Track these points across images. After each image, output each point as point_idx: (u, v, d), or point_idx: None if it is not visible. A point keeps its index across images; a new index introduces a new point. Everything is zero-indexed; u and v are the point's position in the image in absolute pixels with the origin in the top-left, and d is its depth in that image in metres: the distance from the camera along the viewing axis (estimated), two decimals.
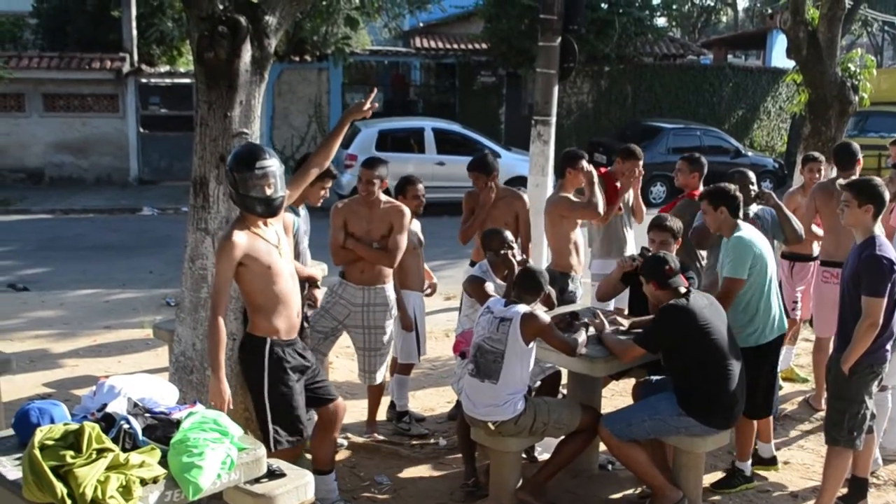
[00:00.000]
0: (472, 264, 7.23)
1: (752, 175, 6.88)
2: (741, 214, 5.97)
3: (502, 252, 6.09)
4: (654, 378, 5.96)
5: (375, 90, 5.71)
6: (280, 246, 4.88)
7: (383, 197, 6.34)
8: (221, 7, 5.44)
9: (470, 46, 25.45)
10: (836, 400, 5.45)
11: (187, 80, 20.43)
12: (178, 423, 3.92)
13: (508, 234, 6.21)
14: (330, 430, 5.38)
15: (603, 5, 23.05)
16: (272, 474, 4.18)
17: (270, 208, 4.76)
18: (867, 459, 5.77)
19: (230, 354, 5.11)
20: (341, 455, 6.32)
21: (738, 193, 5.95)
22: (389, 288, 6.46)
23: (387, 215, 6.30)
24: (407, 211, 6.37)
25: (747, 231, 5.91)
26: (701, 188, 7.37)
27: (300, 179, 5.32)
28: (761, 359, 5.87)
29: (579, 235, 7.40)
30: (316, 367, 5.28)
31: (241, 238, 4.66)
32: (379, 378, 6.54)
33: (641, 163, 7.72)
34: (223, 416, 4.09)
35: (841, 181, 5.78)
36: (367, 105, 5.33)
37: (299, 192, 5.39)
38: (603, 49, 22.80)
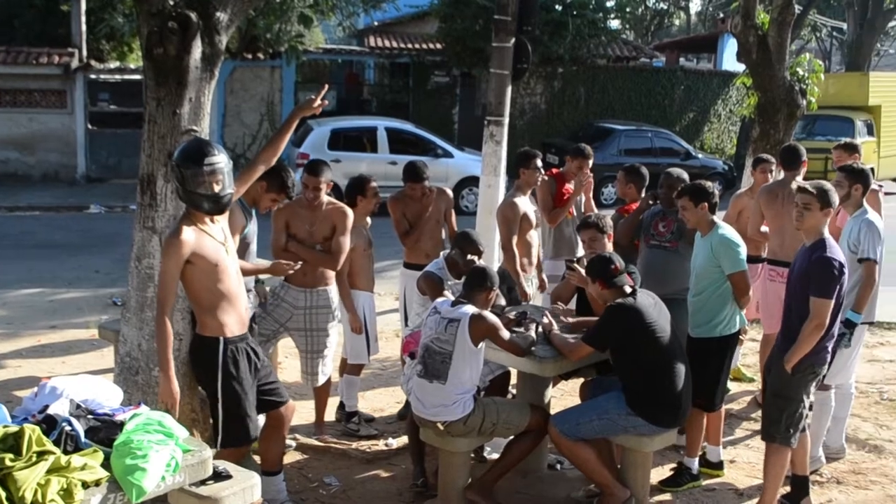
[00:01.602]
0: (406, 265, 7.23)
1: (684, 175, 6.91)
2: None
3: (470, 258, 6.08)
4: (603, 377, 6.00)
5: (327, 87, 5.66)
6: (226, 243, 4.83)
7: (325, 198, 6.27)
8: (172, 2, 5.37)
9: (424, 46, 25.41)
10: (776, 398, 5.52)
11: (137, 77, 20.16)
12: (121, 424, 3.85)
13: (482, 245, 6.24)
14: (278, 430, 5.33)
15: (557, 7, 23.15)
16: (218, 476, 4.13)
17: (218, 205, 4.69)
18: (804, 457, 5.84)
19: (176, 355, 5.05)
20: (290, 456, 6.28)
21: (716, 191, 6.07)
22: (332, 290, 6.41)
23: (329, 217, 6.23)
24: (350, 212, 6.30)
25: (726, 227, 6.08)
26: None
27: (247, 175, 5.29)
28: (723, 350, 5.97)
29: (532, 236, 7.42)
30: (268, 366, 5.24)
31: (188, 235, 4.60)
32: (322, 379, 6.48)
33: (591, 161, 7.77)
34: (168, 417, 4.03)
35: (795, 184, 5.83)
36: (318, 102, 5.30)
37: (245, 188, 5.34)
38: (557, 50, 22.90)
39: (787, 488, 5.85)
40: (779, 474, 5.64)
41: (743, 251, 5.97)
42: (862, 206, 6.34)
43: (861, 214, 6.27)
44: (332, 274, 6.35)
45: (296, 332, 6.38)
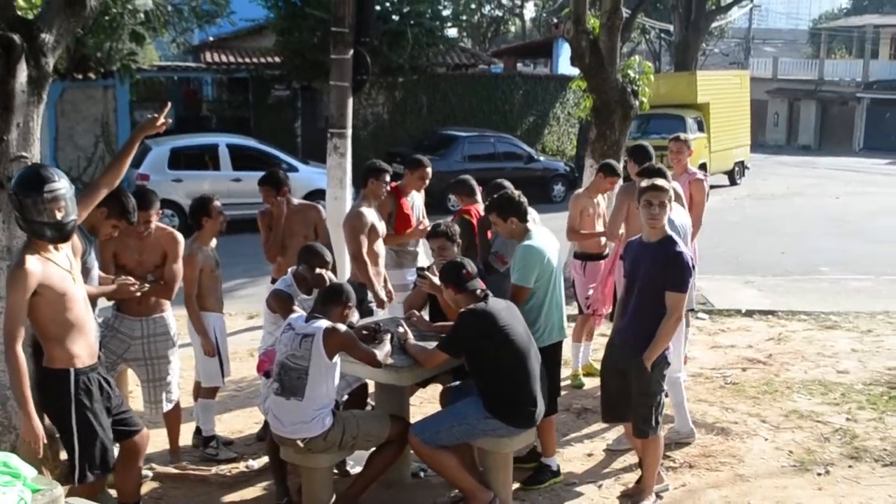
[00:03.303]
0: (274, 282, 7.14)
1: (503, 185, 7.04)
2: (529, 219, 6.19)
3: (318, 271, 6.03)
4: (462, 383, 6.05)
5: (169, 104, 5.51)
6: (73, 271, 4.67)
7: (154, 224, 6.06)
8: None
9: (262, 60, 25.18)
10: (643, 397, 5.67)
11: None
12: None
13: (329, 256, 6.18)
14: (134, 460, 5.17)
15: (394, 17, 23.32)
16: None
17: (62, 233, 4.53)
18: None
19: None
20: (146, 486, 6.07)
21: (523, 199, 6.10)
22: (169, 315, 6.21)
23: (159, 244, 6.03)
24: (180, 238, 6.12)
25: (538, 238, 6.06)
26: (479, 199, 7.55)
27: (89, 199, 5.08)
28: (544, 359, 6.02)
29: (380, 246, 7.43)
30: (119, 395, 5.08)
31: (34, 265, 4.41)
32: (167, 406, 6.28)
33: (430, 170, 7.89)
34: (14, 457, 3.86)
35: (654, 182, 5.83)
36: (161, 120, 5.17)
37: (87, 212, 5.14)
38: (396, 60, 23.05)
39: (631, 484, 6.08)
40: (656, 461, 5.91)
41: (536, 269, 5.93)
42: None
43: None
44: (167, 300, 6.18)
45: (134, 362, 6.16)
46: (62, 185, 4.47)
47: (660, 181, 5.74)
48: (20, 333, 4.40)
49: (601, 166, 8.34)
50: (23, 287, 4.37)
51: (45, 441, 4.48)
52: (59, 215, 4.45)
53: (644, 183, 5.71)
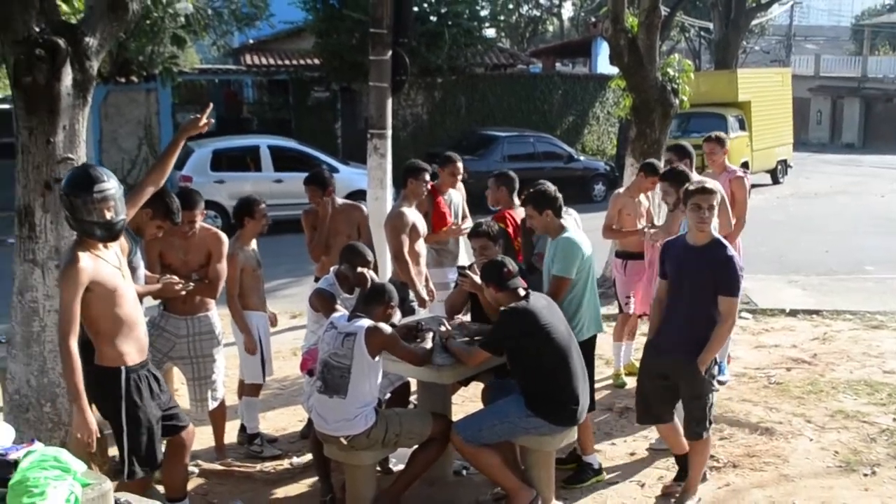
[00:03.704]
0: (317, 280, 7.19)
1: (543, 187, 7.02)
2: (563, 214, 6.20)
3: (360, 270, 6.07)
4: (503, 380, 6.05)
5: (212, 105, 5.58)
6: (122, 268, 4.75)
7: (198, 224, 6.13)
8: (38, 29, 5.23)
9: (302, 62, 25.30)
10: (696, 400, 5.66)
11: (6, 106, 19.52)
12: (15, 463, 3.73)
13: (370, 255, 6.22)
14: (181, 456, 5.25)
15: (432, 18, 23.34)
16: None
17: (111, 232, 4.61)
18: (682, 440, 6.03)
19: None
20: (193, 483, 6.14)
21: (558, 194, 6.11)
22: (213, 314, 6.28)
23: (203, 243, 6.10)
24: (224, 238, 6.19)
25: (574, 232, 6.10)
26: (517, 203, 7.51)
27: (136, 198, 5.22)
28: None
29: (421, 245, 7.46)
30: (168, 391, 5.15)
31: (86, 262, 4.49)
32: (213, 404, 6.35)
33: (461, 164, 7.88)
34: (64, 452, 3.91)
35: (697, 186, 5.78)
36: (203, 120, 5.24)
37: (134, 212, 5.23)
38: (435, 60, 23.07)
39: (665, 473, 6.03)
40: (704, 461, 5.92)
41: (577, 261, 5.96)
42: None
43: None
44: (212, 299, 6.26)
45: (180, 360, 6.24)
46: (112, 185, 4.55)
47: (710, 183, 5.71)
48: (74, 330, 4.46)
49: (642, 165, 8.31)
50: (75, 283, 4.45)
51: (99, 435, 4.55)
52: (108, 215, 4.52)
53: (692, 186, 5.65)
